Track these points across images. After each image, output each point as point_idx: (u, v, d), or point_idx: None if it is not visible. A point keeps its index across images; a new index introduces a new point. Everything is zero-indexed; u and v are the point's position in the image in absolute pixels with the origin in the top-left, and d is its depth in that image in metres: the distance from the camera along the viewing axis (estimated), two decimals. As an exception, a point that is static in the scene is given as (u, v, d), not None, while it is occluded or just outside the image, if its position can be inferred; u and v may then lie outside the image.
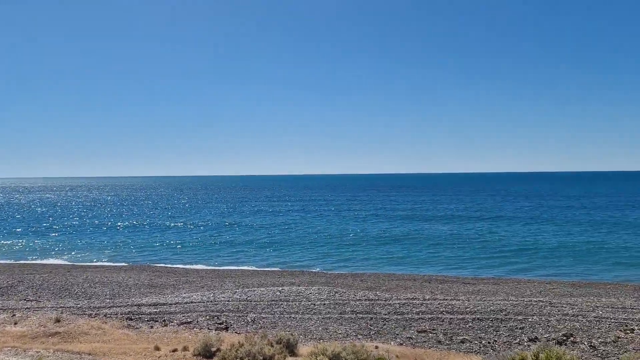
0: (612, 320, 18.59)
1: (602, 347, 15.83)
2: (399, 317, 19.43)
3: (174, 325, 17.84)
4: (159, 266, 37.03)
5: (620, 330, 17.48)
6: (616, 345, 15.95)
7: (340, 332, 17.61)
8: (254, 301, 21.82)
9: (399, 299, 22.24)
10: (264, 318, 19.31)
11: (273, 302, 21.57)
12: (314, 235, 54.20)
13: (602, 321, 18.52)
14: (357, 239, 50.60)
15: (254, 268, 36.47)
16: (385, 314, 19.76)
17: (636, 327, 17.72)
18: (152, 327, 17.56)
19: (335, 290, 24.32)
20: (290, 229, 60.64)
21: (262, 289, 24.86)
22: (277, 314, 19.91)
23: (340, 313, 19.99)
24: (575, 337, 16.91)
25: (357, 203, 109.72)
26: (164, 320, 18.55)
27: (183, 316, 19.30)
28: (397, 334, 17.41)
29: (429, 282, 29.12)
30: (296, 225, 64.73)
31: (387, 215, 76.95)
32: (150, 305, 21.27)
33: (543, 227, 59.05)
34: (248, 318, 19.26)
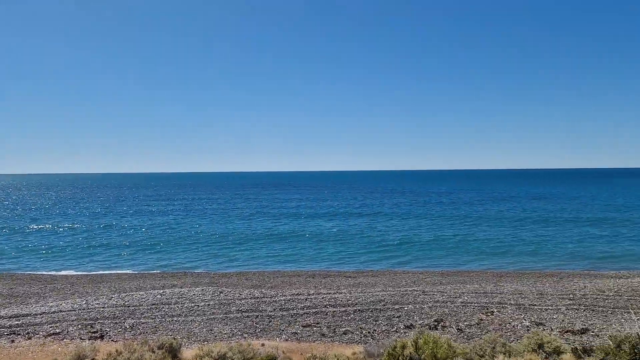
0: (476, 305, 20.52)
1: (467, 330, 17.41)
2: (284, 313, 19.61)
3: (39, 338, 16.24)
4: (20, 274, 33.44)
5: (483, 313, 19.36)
6: (479, 327, 17.63)
7: (225, 332, 17.33)
8: (133, 306, 20.64)
9: (285, 296, 22.46)
10: (143, 323, 18.35)
11: (154, 306, 20.58)
12: (198, 235, 52.70)
13: (468, 306, 20.37)
14: (242, 238, 50.16)
15: (132, 272, 34.46)
16: (271, 311, 19.84)
17: (495, 310, 19.74)
18: (13, 341, 15.83)
19: (220, 290, 23.87)
20: (172, 229, 58.29)
21: (141, 292, 23.60)
22: (159, 318, 19.04)
23: (226, 313, 19.67)
24: (445, 322, 18.40)
25: (242, 201, 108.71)
26: (28, 333, 16.81)
27: (51, 327, 17.64)
28: (283, 330, 17.57)
29: (313, 278, 29.82)
30: (178, 225, 62.39)
31: (273, 214, 77.29)
32: (10, 317, 19.13)
33: (417, 221, 63.40)
34: (126, 324, 18.17)
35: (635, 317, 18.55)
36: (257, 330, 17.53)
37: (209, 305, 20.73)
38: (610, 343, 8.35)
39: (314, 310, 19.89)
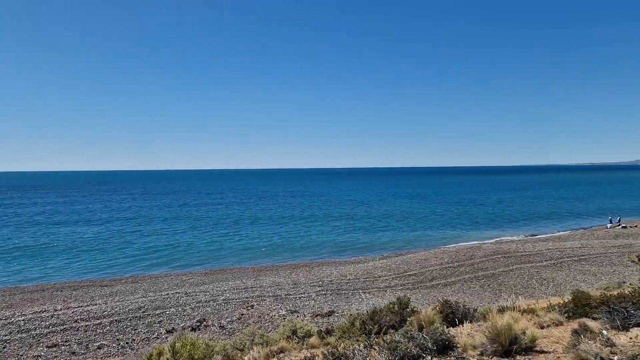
0: (237, 300, 21.22)
1: (229, 326, 17.87)
2: (24, 335, 17.04)
3: None
4: None
5: (244, 308, 20.12)
6: (241, 322, 18.28)
7: (-61, 369, 14.20)
8: None
9: (24, 315, 19.50)
10: None
11: None
12: None
13: (230, 302, 20.91)
14: (-33, 252, 41.54)
15: None
16: (6, 335, 17.01)
17: (255, 303, 20.73)
18: None
19: None
20: None
21: None
22: None
23: (-60, 345, 16.10)
24: (207, 321, 18.53)
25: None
26: None
27: None
28: (22, 355, 15.27)
29: (61, 291, 26.55)
30: None
31: (9, 222, 66.10)
32: None
33: (184, 223, 62.21)
34: None
35: (370, 296, 21.74)
36: (-15, 361, 14.83)
37: None
38: (346, 322, 9.61)
39: (62, 327, 17.81)
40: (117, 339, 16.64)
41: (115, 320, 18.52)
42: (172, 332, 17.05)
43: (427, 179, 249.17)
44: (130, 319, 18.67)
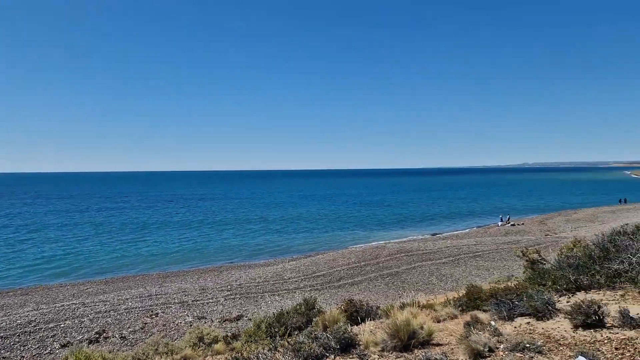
0: (141, 309, 20.25)
1: (131, 336, 17.01)
2: None
3: None
4: None
5: (147, 317, 19.25)
6: (144, 331, 17.47)
7: None
8: None
9: None
10: None
11: None
12: None
13: (132, 311, 19.90)
14: None
15: None
16: None
17: (160, 311, 19.92)
18: None
19: None
20: None
21: None
22: None
23: None
24: (107, 332, 17.50)
25: None
26: None
27: None
28: None
29: None
30: None
31: None
32: None
33: (80, 230, 58.27)
34: None
35: (279, 299, 21.73)
36: None
37: None
38: (253, 325, 9.53)
39: None
40: (3, 357, 15.21)
41: (1, 337, 16.91)
42: (68, 346, 15.90)
43: (340, 180, 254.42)
44: (18, 335, 17.13)
